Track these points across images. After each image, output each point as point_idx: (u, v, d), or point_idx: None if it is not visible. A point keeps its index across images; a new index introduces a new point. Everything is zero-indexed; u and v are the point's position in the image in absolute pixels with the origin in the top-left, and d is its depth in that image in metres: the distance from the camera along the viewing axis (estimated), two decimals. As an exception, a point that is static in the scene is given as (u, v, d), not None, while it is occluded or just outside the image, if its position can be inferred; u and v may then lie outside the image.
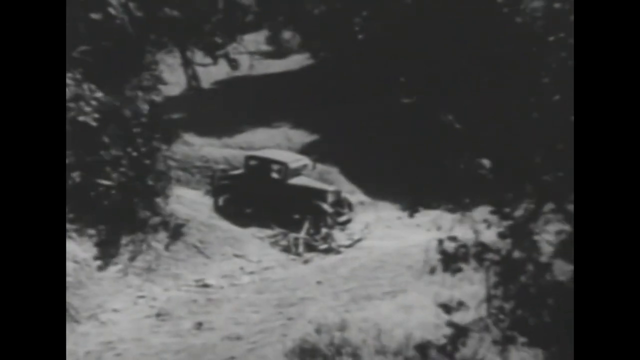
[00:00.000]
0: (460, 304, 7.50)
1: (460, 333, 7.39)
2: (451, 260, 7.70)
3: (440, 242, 7.82)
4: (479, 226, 7.91)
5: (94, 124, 18.64)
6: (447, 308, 7.55)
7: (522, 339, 7.37)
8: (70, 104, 17.99)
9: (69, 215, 18.17)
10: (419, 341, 7.92)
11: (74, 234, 18.77)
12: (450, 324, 7.49)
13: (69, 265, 17.56)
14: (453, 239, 7.82)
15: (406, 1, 28.20)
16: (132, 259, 19.37)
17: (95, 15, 19.49)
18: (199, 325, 16.48)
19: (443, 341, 7.49)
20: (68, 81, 17.82)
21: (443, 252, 7.78)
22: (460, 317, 7.60)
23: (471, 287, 11.93)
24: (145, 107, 20.57)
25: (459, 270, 7.77)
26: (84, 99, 18.52)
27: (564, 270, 7.28)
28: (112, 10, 19.80)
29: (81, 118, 18.37)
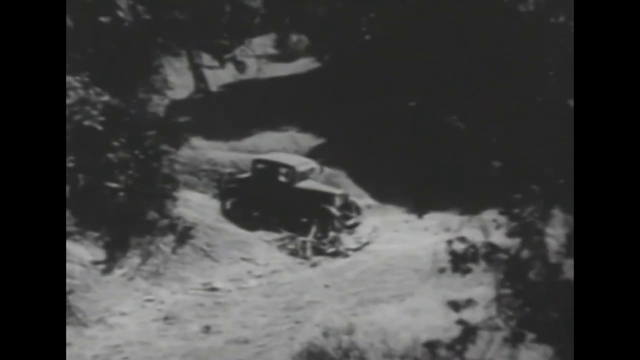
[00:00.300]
0: (469, 301, 7.47)
1: (469, 332, 7.36)
2: (460, 260, 7.66)
3: (450, 242, 7.79)
4: (488, 227, 7.87)
5: (99, 127, 18.63)
6: (455, 305, 7.51)
7: (531, 336, 7.35)
8: (76, 107, 17.98)
9: (76, 219, 18.17)
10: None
11: (80, 237, 18.77)
12: (460, 322, 7.46)
13: (76, 269, 17.58)
14: (462, 239, 7.78)
15: (407, 2, 28.07)
16: (143, 262, 19.35)
17: (104, 19, 19.51)
18: (207, 329, 16.45)
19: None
20: (75, 84, 17.83)
21: (452, 253, 7.75)
22: (469, 315, 7.57)
23: (479, 288, 11.87)
24: (157, 110, 20.62)
25: (469, 270, 7.74)
26: (90, 102, 18.53)
27: (571, 267, 7.25)
28: (120, 14, 19.82)
29: (87, 122, 18.37)
